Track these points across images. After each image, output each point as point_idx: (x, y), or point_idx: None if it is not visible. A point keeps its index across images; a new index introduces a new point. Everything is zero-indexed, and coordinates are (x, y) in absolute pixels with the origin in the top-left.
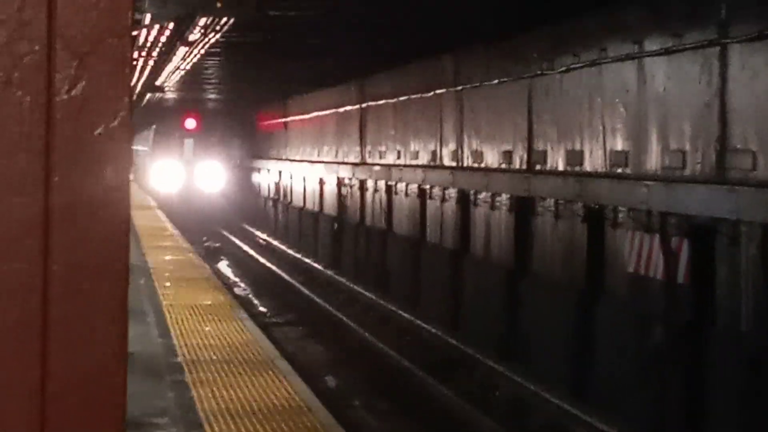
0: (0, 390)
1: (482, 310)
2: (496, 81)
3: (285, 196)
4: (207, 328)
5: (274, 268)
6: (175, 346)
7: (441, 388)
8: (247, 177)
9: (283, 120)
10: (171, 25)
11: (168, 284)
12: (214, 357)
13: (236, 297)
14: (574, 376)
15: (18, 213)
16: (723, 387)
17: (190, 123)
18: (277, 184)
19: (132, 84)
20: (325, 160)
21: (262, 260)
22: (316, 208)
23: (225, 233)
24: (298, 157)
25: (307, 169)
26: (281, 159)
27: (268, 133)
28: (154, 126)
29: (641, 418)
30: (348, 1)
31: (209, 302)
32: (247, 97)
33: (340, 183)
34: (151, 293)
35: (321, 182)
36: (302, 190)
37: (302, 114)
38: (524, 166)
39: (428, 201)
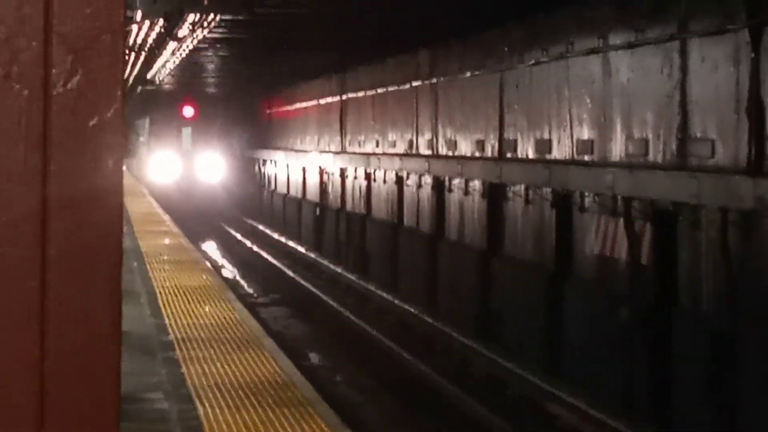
0: (0, 368)
1: (457, 290)
2: (468, 74)
3: (297, 190)
4: (197, 309)
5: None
6: (167, 326)
7: (417, 362)
8: (248, 168)
9: (289, 108)
10: (161, 22)
11: (159, 267)
12: (204, 335)
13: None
14: (545, 351)
15: (17, 201)
16: (685, 363)
17: (188, 111)
18: (288, 177)
19: (125, 77)
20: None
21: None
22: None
23: (229, 230)
24: (311, 148)
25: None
26: (291, 149)
27: (273, 121)
28: (149, 115)
29: (608, 390)
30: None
31: (199, 284)
32: (244, 87)
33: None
34: (143, 276)
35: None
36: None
37: (299, 103)
38: (496, 154)
39: (405, 187)
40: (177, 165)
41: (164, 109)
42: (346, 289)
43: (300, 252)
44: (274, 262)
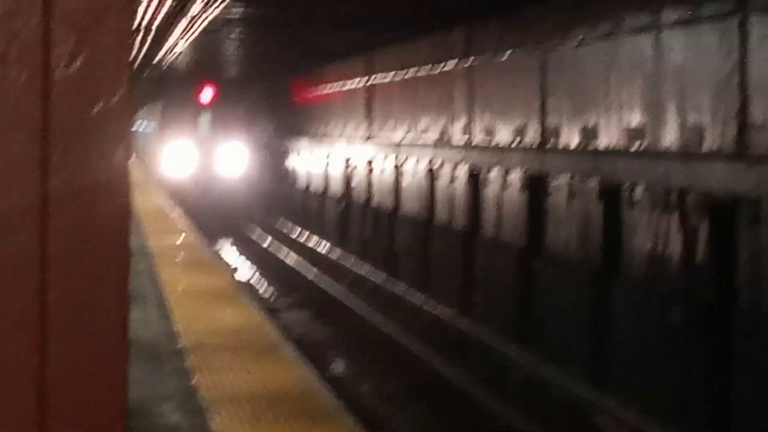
0: None
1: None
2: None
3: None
4: (207, 312)
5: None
6: (177, 332)
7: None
8: (279, 161)
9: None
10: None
11: (170, 267)
12: (216, 342)
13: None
14: (516, 319)
15: (15, 194)
16: (745, 365)
17: (207, 95)
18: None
19: (132, 60)
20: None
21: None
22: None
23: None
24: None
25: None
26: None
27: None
28: (162, 100)
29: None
30: None
31: (211, 285)
32: (272, 66)
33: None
34: (150, 277)
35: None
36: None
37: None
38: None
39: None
40: (194, 156)
41: (180, 93)
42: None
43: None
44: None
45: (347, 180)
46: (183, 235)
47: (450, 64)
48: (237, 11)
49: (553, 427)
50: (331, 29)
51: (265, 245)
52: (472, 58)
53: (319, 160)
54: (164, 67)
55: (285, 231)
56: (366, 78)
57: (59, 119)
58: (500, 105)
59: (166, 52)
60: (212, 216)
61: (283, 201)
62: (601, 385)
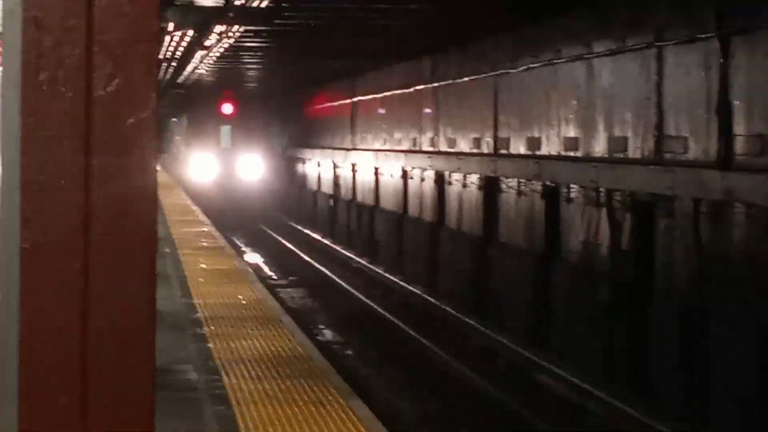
0: (46, 343)
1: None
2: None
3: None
4: (221, 289)
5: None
6: (196, 305)
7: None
8: (292, 168)
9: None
10: (190, 32)
11: (189, 252)
12: (227, 314)
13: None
14: (474, 296)
15: (63, 192)
16: (660, 335)
17: (227, 108)
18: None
19: (158, 81)
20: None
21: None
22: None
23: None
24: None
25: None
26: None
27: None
28: (187, 113)
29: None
30: (346, 10)
31: (224, 267)
32: (286, 83)
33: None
34: (174, 259)
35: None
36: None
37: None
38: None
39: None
40: (215, 164)
41: (202, 107)
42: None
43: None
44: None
45: (336, 180)
46: (199, 223)
47: (419, 87)
48: (249, 42)
49: (505, 380)
50: (320, 60)
51: (274, 234)
52: (436, 83)
53: (313, 165)
54: (188, 85)
55: (284, 221)
56: (351, 97)
57: (99, 129)
58: (460, 120)
59: (189, 74)
60: (232, 212)
61: (284, 197)
62: (543, 348)
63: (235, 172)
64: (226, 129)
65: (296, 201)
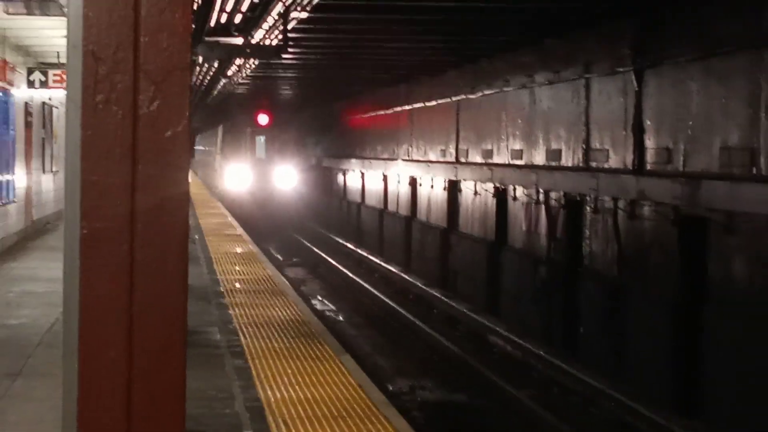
0: (100, 309)
1: (394, 242)
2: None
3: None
4: (239, 268)
5: None
6: (219, 281)
7: (388, 301)
8: (329, 180)
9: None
10: (216, 64)
11: (214, 238)
12: (244, 287)
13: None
14: (439, 274)
15: (114, 188)
16: (588, 306)
17: (262, 120)
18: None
19: (190, 101)
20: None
21: None
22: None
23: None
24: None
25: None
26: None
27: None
28: (222, 124)
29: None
30: (350, 47)
31: (241, 251)
32: (322, 94)
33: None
34: (202, 244)
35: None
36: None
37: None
38: (453, 159)
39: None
40: (250, 175)
41: (237, 118)
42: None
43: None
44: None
45: (331, 183)
46: (221, 215)
47: (397, 109)
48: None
49: (464, 343)
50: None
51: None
52: (411, 105)
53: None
54: (223, 96)
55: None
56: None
57: (143, 140)
58: (430, 135)
59: (225, 85)
60: (266, 222)
61: (320, 208)
62: (494, 316)
63: (269, 182)
64: (260, 139)
65: (336, 211)
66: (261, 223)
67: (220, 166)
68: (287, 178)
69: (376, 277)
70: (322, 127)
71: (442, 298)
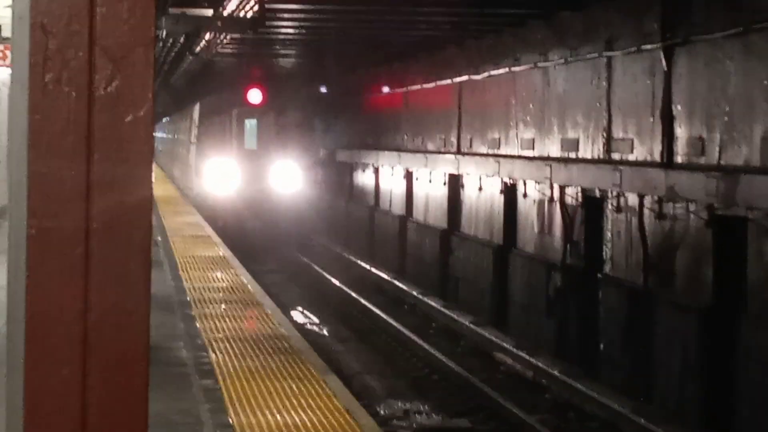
0: (50, 320)
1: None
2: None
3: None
4: (211, 274)
5: None
6: (185, 288)
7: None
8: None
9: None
10: (182, 39)
11: (179, 240)
12: (215, 296)
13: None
14: (438, 281)
15: (67, 182)
16: (608, 317)
17: (253, 98)
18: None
19: (154, 82)
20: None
21: None
22: None
23: None
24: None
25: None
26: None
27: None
28: (198, 103)
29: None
30: (327, 22)
31: (210, 254)
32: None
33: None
34: (166, 246)
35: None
36: None
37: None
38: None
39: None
40: (237, 172)
41: (220, 95)
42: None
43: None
44: None
45: (351, 185)
46: (188, 214)
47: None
48: (228, 49)
49: (467, 359)
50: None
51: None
52: (408, 87)
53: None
54: (196, 69)
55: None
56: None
57: (100, 126)
58: (428, 122)
59: (191, 63)
60: (261, 239)
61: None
62: (502, 330)
63: (263, 182)
64: (251, 124)
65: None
66: (257, 245)
67: (195, 159)
68: (290, 176)
69: (368, 284)
70: (343, 106)
71: (443, 308)
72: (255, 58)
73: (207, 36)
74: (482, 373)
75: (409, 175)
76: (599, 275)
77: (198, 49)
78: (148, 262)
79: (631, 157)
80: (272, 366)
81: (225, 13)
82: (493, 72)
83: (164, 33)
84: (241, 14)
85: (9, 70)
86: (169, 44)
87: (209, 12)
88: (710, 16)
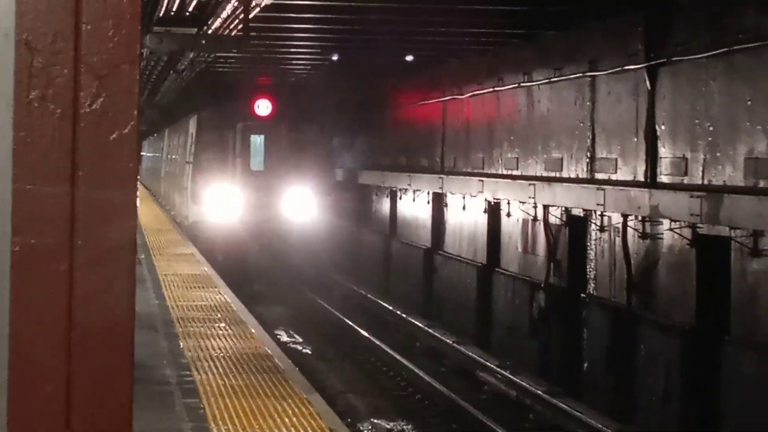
0: (33, 337)
1: (371, 265)
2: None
3: None
4: (194, 293)
5: None
6: (168, 307)
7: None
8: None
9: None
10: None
11: (162, 258)
12: (198, 315)
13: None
14: (421, 301)
15: (51, 200)
16: (592, 337)
17: (262, 109)
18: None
19: (139, 99)
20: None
21: None
22: None
23: None
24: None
25: None
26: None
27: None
28: (195, 115)
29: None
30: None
31: (195, 271)
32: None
33: None
34: (149, 264)
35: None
36: None
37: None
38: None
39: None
40: (240, 197)
41: (222, 109)
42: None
43: None
44: None
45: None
46: (171, 232)
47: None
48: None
49: (451, 379)
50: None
51: None
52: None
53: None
54: (199, 73)
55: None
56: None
57: (84, 143)
58: (415, 142)
59: (161, 96)
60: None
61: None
62: (485, 350)
63: (271, 210)
64: (257, 141)
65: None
66: (264, 285)
67: (191, 182)
68: (304, 202)
69: (349, 304)
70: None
71: (426, 328)
72: (263, 64)
73: (191, 55)
74: (468, 394)
75: (394, 193)
76: (582, 295)
77: (181, 67)
78: (133, 279)
79: (615, 177)
80: (256, 385)
81: (209, 32)
82: (477, 90)
83: (147, 52)
84: (226, 32)
85: None
86: (153, 62)
87: (193, 30)
88: (693, 36)
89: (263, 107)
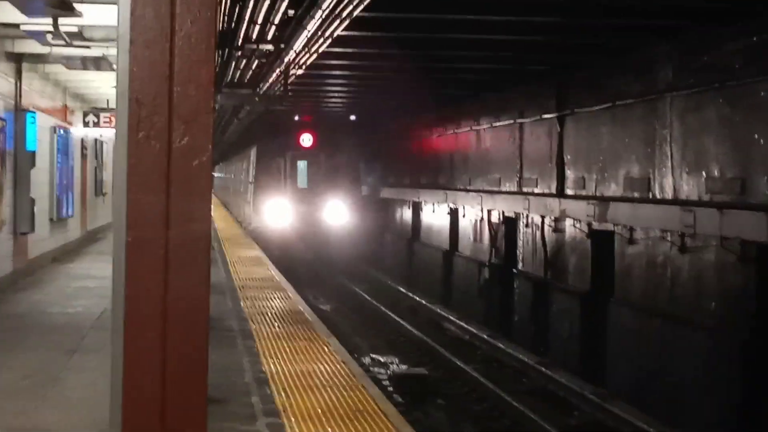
0: (141, 300)
1: (397, 261)
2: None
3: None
4: (251, 269)
5: None
6: (233, 279)
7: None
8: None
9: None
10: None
11: (229, 246)
12: (253, 284)
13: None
14: (404, 274)
15: (153, 208)
16: (520, 299)
17: (305, 142)
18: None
19: (213, 136)
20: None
21: None
22: None
23: None
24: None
25: None
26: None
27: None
28: (255, 147)
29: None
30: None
31: (252, 255)
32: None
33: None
34: (220, 251)
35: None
36: None
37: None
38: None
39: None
40: (290, 209)
41: (276, 141)
42: None
43: None
44: None
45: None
46: (235, 227)
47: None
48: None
49: (424, 327)
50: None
51: None
52: (414, 137)
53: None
54: (256, 115)
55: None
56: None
57: (176, 168)
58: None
59: (229, 134)
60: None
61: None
62: (448, 307)
63: (313, 217)
64: (303, 165)
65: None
66: (308, 272)
67: (253, 197)
68: (338, 211)
69: (366, 281)
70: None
71: (407, 292)
72: (307, 106)
73: (248, 107)
74: (436, 337)
75: (417, 205)
76: (514, 270)
77: (241, 114)
78: (209, 259)
79: (536, 190)
80: (291, 330)
81: (261, 92)
82: (473, 128)
83: (218, 105)
84: (270, 92)
85: (113, 130)
86: (222, 112)
87: (248, 91)
88: (587, 96)
89: (307, 140)
